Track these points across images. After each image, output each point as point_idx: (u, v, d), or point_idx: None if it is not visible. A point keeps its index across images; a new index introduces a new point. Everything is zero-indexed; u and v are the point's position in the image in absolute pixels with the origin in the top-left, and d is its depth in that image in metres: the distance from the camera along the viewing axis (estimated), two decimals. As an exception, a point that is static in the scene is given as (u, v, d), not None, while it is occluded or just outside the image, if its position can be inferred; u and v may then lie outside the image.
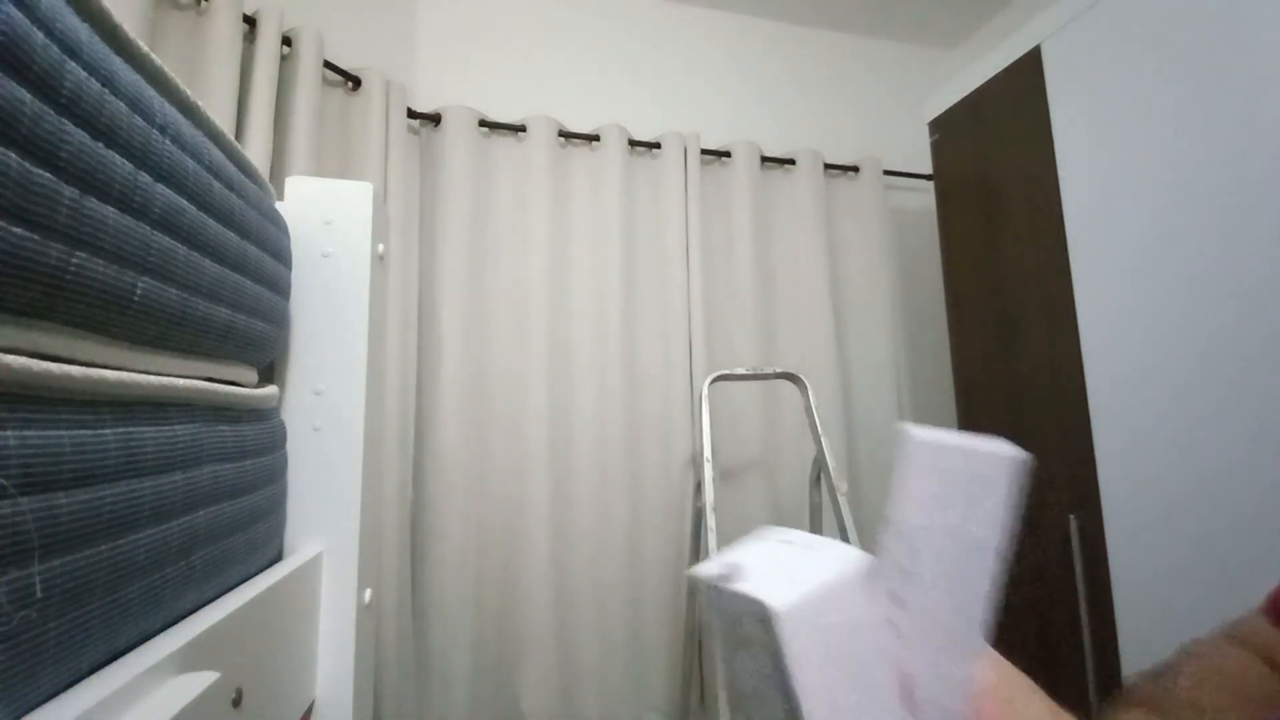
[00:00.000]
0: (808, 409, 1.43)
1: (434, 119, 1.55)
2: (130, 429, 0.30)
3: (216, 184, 0.39)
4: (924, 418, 1.89)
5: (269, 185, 0.53)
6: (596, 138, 1.66)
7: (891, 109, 2.06)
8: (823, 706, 0.20)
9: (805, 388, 1.44)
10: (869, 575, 0.21)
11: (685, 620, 1.45)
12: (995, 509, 0.20)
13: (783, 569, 0.21)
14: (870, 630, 0.21)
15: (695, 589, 0.25)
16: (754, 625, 0.20)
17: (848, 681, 0.20)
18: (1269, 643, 0.40)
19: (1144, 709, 0.37)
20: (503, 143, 1.63)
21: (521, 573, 1.46)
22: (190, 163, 0.36)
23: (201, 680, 0.30)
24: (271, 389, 0.50)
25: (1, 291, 0.23)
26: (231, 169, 0.43)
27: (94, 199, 0.27)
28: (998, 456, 0.20)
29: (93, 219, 0.27)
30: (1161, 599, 1.05)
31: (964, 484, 0.20)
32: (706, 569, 0.22)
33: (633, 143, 1.69)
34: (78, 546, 0.26)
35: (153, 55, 0.34)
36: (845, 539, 1.23)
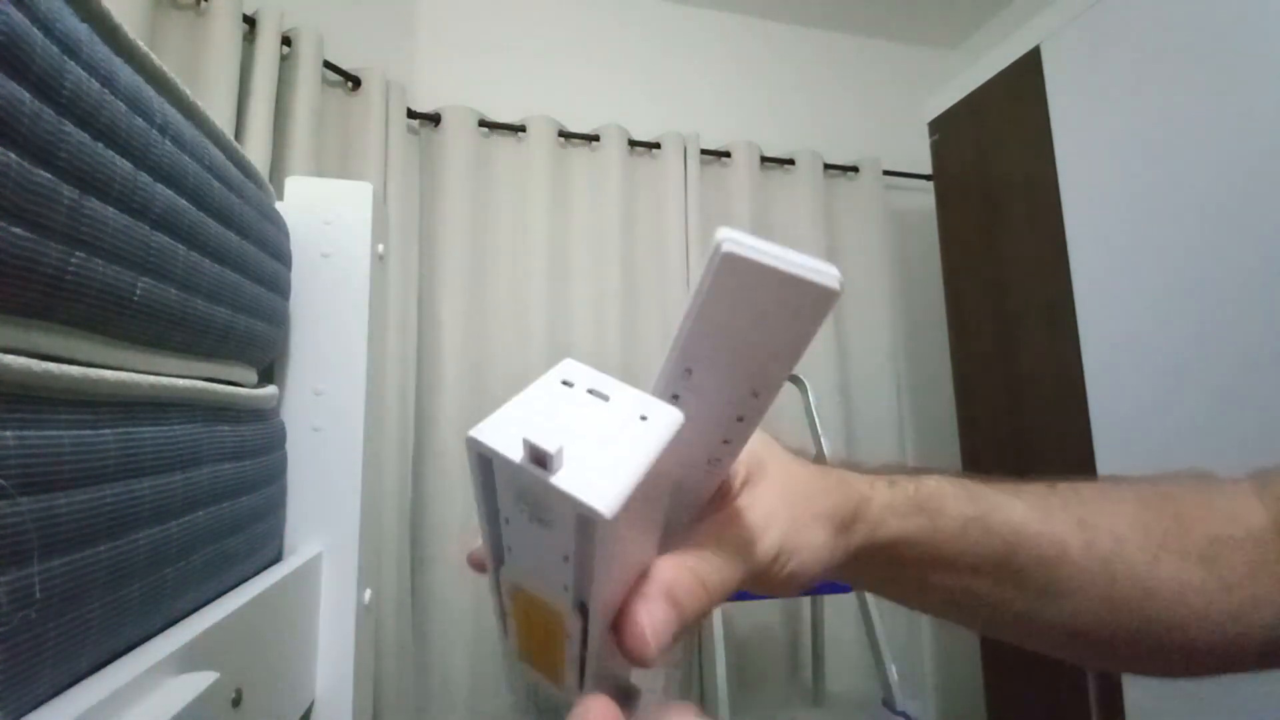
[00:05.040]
0: (808, 409, 1.43)
1: (434, 119, 1.55)
2: (130, 429, 0.30)
3: (216, 184, 0.39)
4: (924, 418, 1.89)
5: (269, 185, 0.53)
6: (596, 138, 1.66)
7: (891, 109, 2.06)
8: (611, 584, 0.19)
9: (805, 388, 1.44)
10: (660, 382, 0.21)
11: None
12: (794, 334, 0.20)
13: (596, 439, 0.18)
14: (665, 479, 0.20)
15: (479, 455, 0.18)
16: (561, 514, 0.17)
17: (634, 529, 0.19)
18: None
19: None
20: (502, 143, 1.63)
21: (521, 573, 1.46)
22: (190, 163, 0.36)
23: (201, 680, 0.30)
24: (271, 389, 0.50)
25: (1, 291, 0.23)
26: (231, 169, 0.43)
27: (94, 199, 0.27)
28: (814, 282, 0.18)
29: (92, 219, 0.27)
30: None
31: (771, 304, 0.19)
32: (499, 439, 0.17)
33: (632, 143, 1.69)
34: (77, 546, 0.26)
35: (153, 55, 0.34)
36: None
